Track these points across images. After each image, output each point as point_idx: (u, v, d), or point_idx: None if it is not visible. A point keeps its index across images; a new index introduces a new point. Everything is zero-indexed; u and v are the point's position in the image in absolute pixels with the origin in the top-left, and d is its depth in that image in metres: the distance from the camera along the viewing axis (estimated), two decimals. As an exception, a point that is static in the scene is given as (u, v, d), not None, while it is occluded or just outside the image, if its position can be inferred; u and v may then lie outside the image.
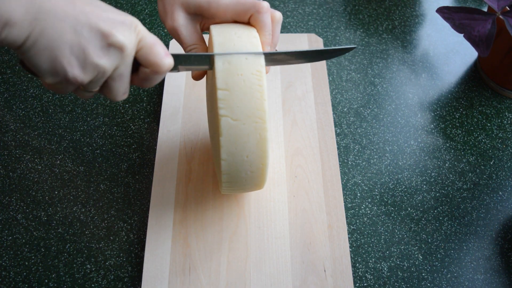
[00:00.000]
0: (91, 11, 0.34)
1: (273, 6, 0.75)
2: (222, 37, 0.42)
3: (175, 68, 0.43)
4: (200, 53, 0.44)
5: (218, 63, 0.40)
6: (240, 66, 0.40)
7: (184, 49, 0.44)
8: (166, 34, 0.70)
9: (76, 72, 0.35)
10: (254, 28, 0.44)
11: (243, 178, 0.43)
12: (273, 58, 0.44)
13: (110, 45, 0.35)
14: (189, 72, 0.64)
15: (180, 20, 0.43)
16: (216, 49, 0.41)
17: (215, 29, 0.43)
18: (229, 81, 0.39)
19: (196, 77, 0.47)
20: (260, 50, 0.41)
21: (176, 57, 0.42)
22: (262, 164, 0.42)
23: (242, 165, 0.42)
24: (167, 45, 0.69)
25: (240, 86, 0.39)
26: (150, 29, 0.71)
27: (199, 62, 0.43)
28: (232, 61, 0.40)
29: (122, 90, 0.39)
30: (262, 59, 0.41)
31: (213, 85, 0.41)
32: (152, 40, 0.38)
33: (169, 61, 0.40)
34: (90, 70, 0.35)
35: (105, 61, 0.35)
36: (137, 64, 0.40)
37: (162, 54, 0.39)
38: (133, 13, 0.73)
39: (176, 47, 0.67)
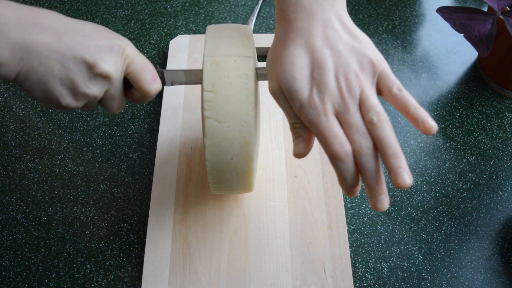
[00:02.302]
0: (77, 44, 0.36)
1: (270, 5, 0.75)
2: (215, 38, 0.42)
3: (168, 83, 0.44)
4: (190, 69, 0.44)
5: (206, 64, 0.40)
6: (228, 68, 0.39)
7: (288, 120, 0.39)
8: (166, 34, 0.71)
9: (68, 101, 0.37)
10: (250, 29, 0.44)
11: (229, 180, 0.43)
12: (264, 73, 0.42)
13: (97, 75, 0.37)
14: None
15: (275, 90, 0.39)
16: (208, 49, 0.41)
17: (210, 29, 0.43)
18: (216, 82, 0.39)
19: None
20: (251, 53, 0.41)
21: (168, 73, 0.43)
22: (248, 167, 0.42)
23: (226, 167, 0.41)
24: (167, 46, 0.69)
25: (226, 89, 0.39)
26: (150, 29, 0.71)
27: (191, 78, 0.44)
28: (220, 63, 0.40)
29: (115, 106, 0.41)
30: (251, 63, 0.40)
31: (201, 87, 0.41)
32: (139, 66, 0.40)
33: (156, 87, 0.41)
34: (81, 98, 0.38)
35: (93, 90, 0.37)
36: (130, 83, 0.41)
37: (149, 80, 0.40)
38: (133, 13, 0.73)
39: (175, 49, 0.67)
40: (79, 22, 0.37)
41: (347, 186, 0.36)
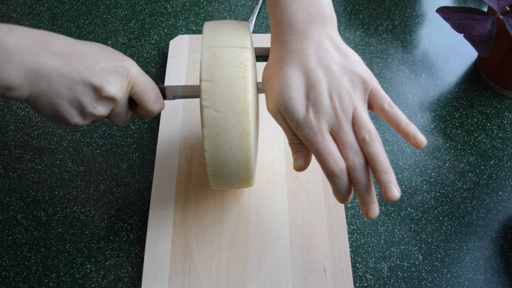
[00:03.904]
0: (84, 68, 0.38)
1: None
2: (212, 31, 0.42)
3: (170, 98, 0.47)
4: (189, 84, 0.46)
5: (204, 56, 0.40)
6: (225, 58, 0.40)
7: (287, 137, 0.42)
8: (166, 34, 0.71)
9: (76, 120, 0.40)
10: (246, 23, 0.44)
11: (228, 172, 0.43)
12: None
13: (103, 97, 0.39)
14: (189, 71, 0.64)
15: (272, 109, 0.41)
16: (205, 41, 0.41)
17: (207, 24, 0.44)
18: (213, 72, 0.40)
19: None
20: (248, 44, 0.42)
21: (169, 89, 0.46)
22: (246, 158, 0.42)
23: (225, 158, 0.42)
24: (167, 46, 0.69)
25: (224, 78, 0.40)
26: (150, 29, 0.71)
27: (190, 93, 0.47)
28: (217, 54, 0.40)
29: (121, 121, 0.44)
30: (248, 53, 0.41)
31: (200, 78, 0.41)
32: (143, 87, 0.42)
33: (159, 107, 0.44)
34: (88, 117, 0.40)
35: (100, 110, 0.40)
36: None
37: (152, 101, 0.43)
38: (133, 13, 0.73)
39: (175, 49, 0.67)
40: (86, 45, 0.40)
41: (341, 197, 0.39)
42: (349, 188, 0.39)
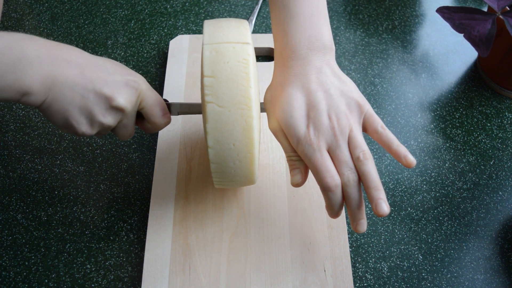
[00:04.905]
0: (97, 78, 0.40)
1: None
2: (212, 28, 0.43)
3: (175, 113, 0.49)
4: (192, 102, 0.50)
5: (206, 52, 0.41)
6: (226, 54, 0.41)
7: (285, 154, 0.44)
8: (166, 34, 0.71)
9: (84, 128, 0.41)
10: (245, 21, 0.45)
11: (231, 168, 0.43)
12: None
13: (113, 107, 0.41)
14: (189, 71, 0.64)
15: (274, 127, 0.43)
16: (206, 38, 0.42)
17: (207, 22, 0.44)
18: (215, 68, 0.40)
19: None
20: (249, 40, 0.42)
21: (174, 105, 0.49)
22: (250, 153, 0.42)
23: (229, 153, 0.42)
24: (167, 46, 0.69)
25: (226, 74, 0.40)
26: (150, 29, 0.71)
27: (193, 109, 0.50)
28: (219, 50, 0.41)
29: (126, 134, 0.46)
30: (249, 48, 0.41)
31: (201, 74, 0.41)
32: (152, 101, 0.45)
33: (166, 122, 0.47)
34: (96, 126, 0.42)
35: (109, 119, 0.42)
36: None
37: (160, 116, 0.46)
38: (133, 13, 0.73)
39: (175, 49, 0.67)
40: (100, 59, 0.42)
41: (334, 212, 0.42)
42: (341, 204, 0.41)
